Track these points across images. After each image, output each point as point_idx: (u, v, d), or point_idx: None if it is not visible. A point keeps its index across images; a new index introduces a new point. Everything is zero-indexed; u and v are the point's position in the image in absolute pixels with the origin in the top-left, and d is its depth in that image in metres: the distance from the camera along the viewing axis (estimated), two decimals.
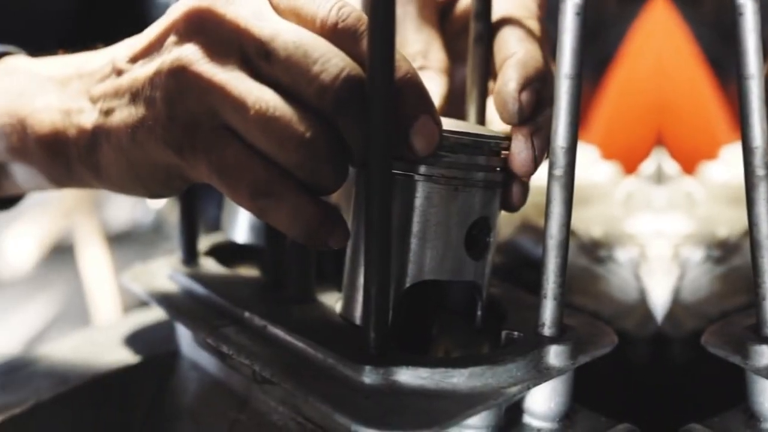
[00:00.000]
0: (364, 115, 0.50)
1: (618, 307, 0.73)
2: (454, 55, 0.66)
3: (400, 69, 0.52)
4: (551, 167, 0.52)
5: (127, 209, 1.69)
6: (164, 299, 0.66)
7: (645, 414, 0.66)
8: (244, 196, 0.53)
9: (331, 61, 0.50)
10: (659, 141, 0.91)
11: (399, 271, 0.55)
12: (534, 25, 0.60)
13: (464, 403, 0.50)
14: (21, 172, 0.67)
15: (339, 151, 0.52)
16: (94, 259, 1.50)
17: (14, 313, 1.50)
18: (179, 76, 0.53)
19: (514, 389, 0.52)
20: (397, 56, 0.51)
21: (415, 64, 0.63)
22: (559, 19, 0.50)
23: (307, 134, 0.51)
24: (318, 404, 0.51)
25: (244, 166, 0.52)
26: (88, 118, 0.59)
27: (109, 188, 0.63)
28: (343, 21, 0.52)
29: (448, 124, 0.57)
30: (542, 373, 0.53)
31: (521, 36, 0.58)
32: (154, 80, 0.54)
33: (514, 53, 0.57)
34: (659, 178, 0.87)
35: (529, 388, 0.53)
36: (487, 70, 0.62)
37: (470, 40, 0.63)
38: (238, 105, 0.51)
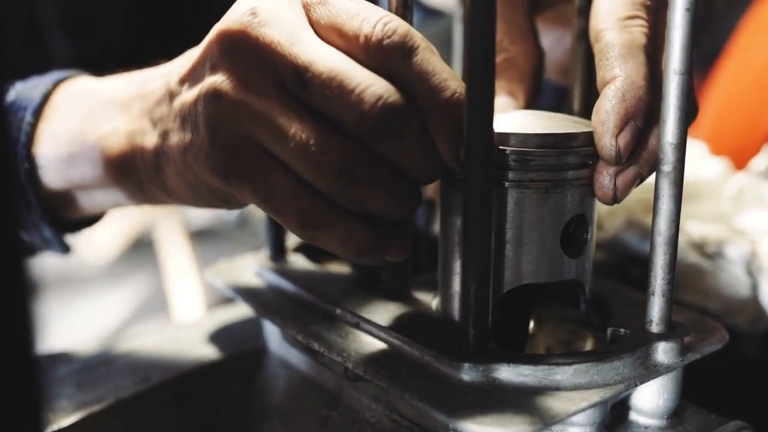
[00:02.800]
0: (406, 140, 0.49)
1: (728, 303, 0.71)
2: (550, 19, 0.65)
3: (448, 89, 0.50)
4: (660, 163, 0.51)
5: None
6: (251, 296, 0.65)
7: (757, 412, 0.63)
8: (292, 224, 0.52)
9: (368, 90, 0.49)
10: None
11: (495, 278, 0.54)
12: (638, 30, 0.55)
13: (568, 401, 0.49)
14: (98, 194, 0.67)
15: (386, 176, 0.51)
16: (175, 255, 1.51)
17: (94, 309, 1.52)
18: (216, 104, 0.52)
19: (620, 387, 0.50)
20: (446, 74, 0.50)
21: (499, 57, 0.61)
22: (668, 15, 0.48)
23: (345, 163, 0.49)
24: (414, 402, 0.50)
25: (290, 194, 0.51)
26: (150, 139, 0.59)
27: (182, 204, 0.63)
28: (389, 37, 0.50)
29: (537, 119, 0.55)
30: (650, 371, 0.52)
31: (622, 51, 0.54)
32: (196, 106, 0.54)
33: (613, 78, 0.53)
34: None
35: (636, 386, 0.52)
36: (591, 67, 0.60)
37: (573, 37, 0.62)
38: (277, 136, 0.50)
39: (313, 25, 0.52)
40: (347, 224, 0.51)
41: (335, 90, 0.49)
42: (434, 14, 1.10)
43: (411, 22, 0.55)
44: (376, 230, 0.52)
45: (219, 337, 0.74)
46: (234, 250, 0.76)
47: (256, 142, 0.51)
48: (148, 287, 1.54)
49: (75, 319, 1.51)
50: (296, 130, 0.50)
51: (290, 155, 0.50)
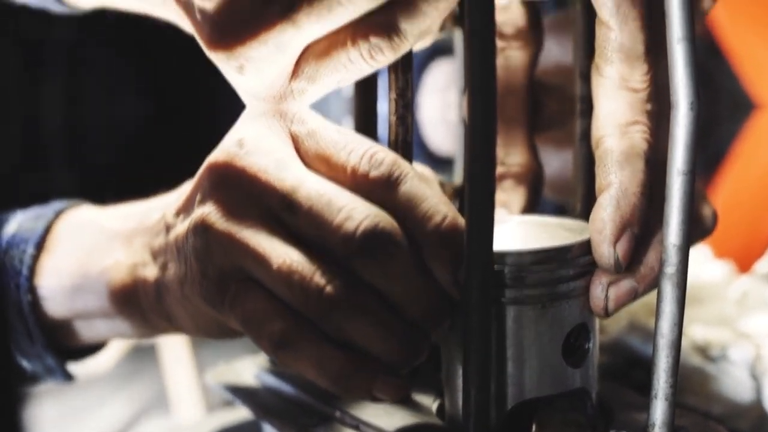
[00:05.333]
0: (394, 263, 0.49)
1: (732, 407, 0.70)
2: (556, 137, 0.65)
3: (438, 214, 0.50)
4: (663, 265, 0.50)
5: None
6: (251, 398, 0.65)
7: None
8: (266, 347, 0.52)
9: (357, 209, 0.49)
10: None
11: (498, 395, 0.53)
12: (638, 136, 0.53)
13: None
14: (102, 324, 0.67)
15: (372, 306, 0.50)
16: (176, 358, 1.50)
17: (96, 412, 1.50)
18: (203, 235, 0.52)
19: None
20: (435, 200, 0.50)
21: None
22: (671, 114, 0.48)
23: (328, 287, 0.49)
24: None
25: (265, 317, 0.51)
26: (151, 272, 0.60)
27: (187, 334, 0.63)
28: (376, 168, 0.51)
29: (530, 229, 0.54)
30: None
31: (620, 158, 0.53)
32: (187, 238, 0.54)
33: (608, 186, 0.52)
34: None
35: None
36: (592, 169, 0.61)
37: (575, 138, 0.62)
38: (261, 262, 0.50)
39: (301, 155, 0.53)
40: (319, 349, 0.50)
41: (323, 208, 0.49)
42: (443, 164, 1.11)
43: (411, 126, 0.55)
44: (353, 360, 0.51)
45: None
46: (234, 352, 0.76)
47: (241, 270, 0.52)
48: (150, 389, 1.52)
49: (77, 423, 1.49)
50: (280, 255, 0.50)
51: (273, 279, 0.50)
